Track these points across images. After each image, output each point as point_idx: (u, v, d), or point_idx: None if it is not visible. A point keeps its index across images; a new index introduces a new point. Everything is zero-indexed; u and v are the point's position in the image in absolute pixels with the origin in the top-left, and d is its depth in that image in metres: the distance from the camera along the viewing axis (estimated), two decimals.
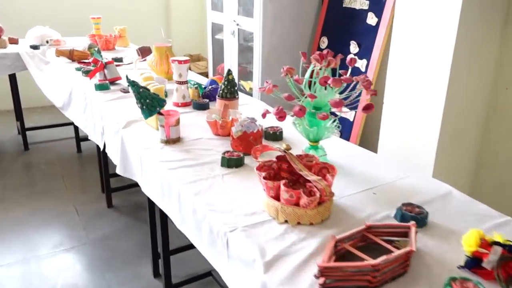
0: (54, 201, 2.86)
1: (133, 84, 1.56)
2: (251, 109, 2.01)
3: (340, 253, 0.97)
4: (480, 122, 2.39)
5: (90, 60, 2.91)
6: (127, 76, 1.62)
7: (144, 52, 2.24)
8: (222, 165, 1.41)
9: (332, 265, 0.88)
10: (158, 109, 1.57)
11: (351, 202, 1.21)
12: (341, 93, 1.41)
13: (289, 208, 1.08)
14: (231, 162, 1.40)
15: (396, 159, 2.34)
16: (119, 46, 3.56)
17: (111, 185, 2.77)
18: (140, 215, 2.69)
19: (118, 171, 1.76)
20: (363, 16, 2.94)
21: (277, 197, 1.12)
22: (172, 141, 1.59)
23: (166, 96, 2.05)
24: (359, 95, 1.40)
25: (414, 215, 1.09)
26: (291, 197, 1.08)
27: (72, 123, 3.10)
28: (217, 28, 3.98)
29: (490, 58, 2.25)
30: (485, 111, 2.38)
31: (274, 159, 1.23)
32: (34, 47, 3.31)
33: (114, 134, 1.84)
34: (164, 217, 1.86)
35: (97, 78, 2.42)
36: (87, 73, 2.55)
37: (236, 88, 1.84)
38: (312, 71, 1.46)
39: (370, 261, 0.88)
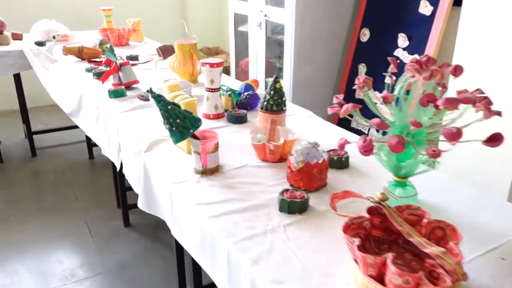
0: (64, 218, 2.54)
1: (159, 99, 1.21)
2: (296, 120, 1.65)
3: None
4: None
5: (102, 60, 2.58)
6: (150, 89, 1.27)
7: (166, 51, 1.89)
8: (282, 209, 1.06)
9: None
10: (191, 131, 1.22)
11: (475, 273, 0.85)
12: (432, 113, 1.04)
13: None
14: (294, 207, 1.05)
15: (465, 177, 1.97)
16: (133, 41, 3.21)
17: (127, 201, 2.44)
18: (161, 236, 2.36)
19: (140, 205, 1.41)
20: (414, 4, 2.55)
21: (378, 277, 0.77)
22: (210, 171, 1.24)
23: None
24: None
25: None
26: (406, 284, 0.73)
27: None
28: (240, 19, 3.61)
29: None
30: None
31: (365, 215, 0.88)
32: (40, 44, 2.97)
33: (134, 156, 1.50)
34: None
35: (110, 82, 2.08)
36: (99, 75, 2.20)
37: (284, 98, 1.48)
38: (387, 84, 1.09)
39: None
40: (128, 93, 1.97)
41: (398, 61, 2.68)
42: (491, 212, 1.07)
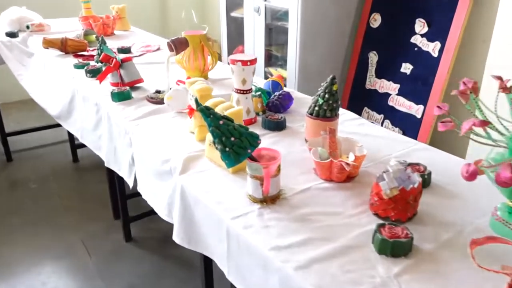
0: (55, 235, 2.24)
1: (207, 113, 0.96)
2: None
3: None
4: None
5: (91, 53, 2.26)
6: (196, 100, 1.01)
7: (180, 45, 1.61)
8: (382, 252, 0.84)
9: None
10: (249, 151, 0.97)
11: None
12: None
13: None
14: (399, 249, 0.83)
15: None
16: (118, 30, 2.88)
17: (128, 211, 2.17)
18: (169, 250, 2.11)
19: (177, 239, 1.16)
20: None
21: None
22: (271, 199, 1.01)
23: None
24: None
25: None
26: None
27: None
28: (233, 3, 3.32)
29: None
30: None
31: None
32: (11, 35, 2.61)
33: (160, 176, 1.24)
34: (208, 261, 1.33)
35: (108, 81, 1.79)
36: (94, 73, 1.91)
37: (340, 102, 1.25)
38: None
39: None
40: (133, 94, 1.69)
41: (416, 49, 2.50)
42: None
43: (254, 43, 3.08)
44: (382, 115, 2.65)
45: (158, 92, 1.69)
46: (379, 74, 2.67)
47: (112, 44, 2.50)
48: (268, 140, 1.32)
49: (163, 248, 2.14)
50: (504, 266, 0.65)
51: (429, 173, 1.08)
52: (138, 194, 1.44)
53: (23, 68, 2.49)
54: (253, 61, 1.36)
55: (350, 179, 1.10)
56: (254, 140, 0.98)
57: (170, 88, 1.64)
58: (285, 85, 1.72)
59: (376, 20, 2.67)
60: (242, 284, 0.96)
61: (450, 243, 0.87)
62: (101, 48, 2.05)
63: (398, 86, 2.55)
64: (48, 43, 2.27)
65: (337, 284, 0.77)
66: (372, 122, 2.65)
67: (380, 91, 2.66)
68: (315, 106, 1.24)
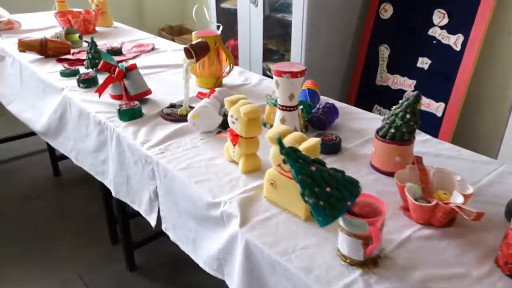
0: (46, 268, 1.95)
1: (295, 157, 0.73)
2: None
3: None
4: None
5: (79, 56, 1.95)
6: (280, 141, 0.77)
7: (201, 51, 1.35)
8: None
9: None
10: (349, 203, 0.75)
11: None
12: None
13: None
14: None
15: None
16: (99, 26, 2.56)
17: (131, 236, 1.90)
18: (179, 279, 1.87)
19: None
20: None
21: None
22: (373, 260, 0.79)
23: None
24: None
25: None
26: None
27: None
28: None
29: None
30: None
31: None
32: None
33: (207, 226, 1.00)
34: None
35: (107, 92, 1.52)
36: (88, 84, 1.62)
37: (419, 123, 1.04)
38: None
39: None
40: (144, 109, 1.42)
41: (434, 42, 2.32)
42: None
43: (250, 36, 2.82)
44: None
45: (173, 106, 1.43)
46: (392, 69, 2.48)
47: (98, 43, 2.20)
48: None
49: (173, 277, 1.89)
50: None
51: None
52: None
53: None
54: (303, 72, 1.13)
55: (451, 221, 0.90)
56: (354, 188, 0.75)
57: (191, 107, 1.39)
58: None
59: (387, 11, 2.47)
60: None
61: None
62: (92, 51, 1.76)
63: (414, 82, 2.37)
64: (25, 46, 1.94)
65: None
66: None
67: (393, 87, 2.48)
68: (390, 127, 1.03)
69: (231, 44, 3.12)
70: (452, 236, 0.85)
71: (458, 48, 2.17)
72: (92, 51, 1.77)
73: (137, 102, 1.39)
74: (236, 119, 1.04)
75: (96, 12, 2.45)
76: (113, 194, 1.42)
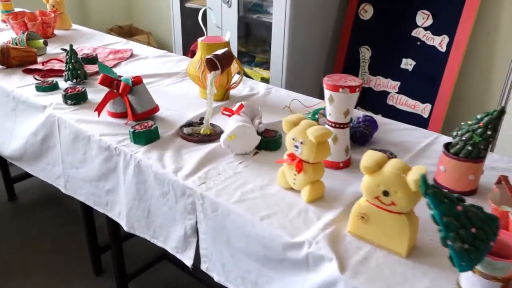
0: None
1: (441, 197, 0.62)
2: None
3: None
4: None
5: (52, 66, 1.70)
6: (424, 179, 0.65)
7: (226, 61, 1.18)
8: None
9: None
10: (491, 244, 0.66)
11: None
12: None
13: None
14: None
15: None
16: (57, 29, 2.27)
17: (125, 267, 1.69)
18: None
19: None
20: None
21: None
22: None
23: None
24: None
25: None
26: None
27: None
28: None
29: None
30: None
31: None
32: None
33: (282, 269, 0.86)
34: None
35: (105, 110, 1.32)
36: (77, 99, 1.40)
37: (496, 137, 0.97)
38: None
39: None
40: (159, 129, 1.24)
41: (418, 43, 2.31)
42: None
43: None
44: (379, 115, 2.44)
45: (190, 124, 1.26)
46: (374, 71, 2.45)
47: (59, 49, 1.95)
48: None
49: None
50: None
51: None
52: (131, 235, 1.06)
53: None
54: (360, 86, 1.02)
55: None
56: (495, 225, 0.66)
57: (212, 125, 1.23)
58: None
59: (366, 12, 2.43)
60: None
61: None
62: (73, 60, 1.53)
63: (398, 83, 2.36)
64: None
65: None
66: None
67: (375, 89, 2.45)
68: (465, 144, 0.95)
69: (196, 45, 2.93)
70: None
71: (443, 49, 2.18)
72: (72, 61, 1.53)
73: (152, 122, 1.20)
74: (301, 142, 0.91)
75: (55, 13, 2.17)
76: (126, 228, 1.22)
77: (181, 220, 1.05)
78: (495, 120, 0.92)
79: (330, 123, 1.07)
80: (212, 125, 1.25)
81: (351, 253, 0.81)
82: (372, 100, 2.46)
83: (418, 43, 2.27)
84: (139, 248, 1.58)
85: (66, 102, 1.39)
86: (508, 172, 1.04)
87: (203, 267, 1.05)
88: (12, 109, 1.54)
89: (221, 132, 1.23)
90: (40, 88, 1.49)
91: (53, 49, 1.97)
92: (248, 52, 2.86)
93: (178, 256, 1.10)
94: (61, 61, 1.75)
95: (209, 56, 1.19)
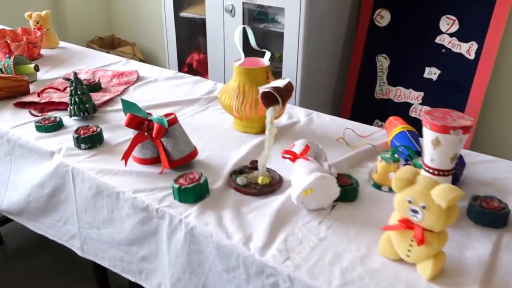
0: None
1: None
2: None
3: None
4: None
5: (49, 97, 1.44)
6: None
7: (286, 93, 0.96)
8: None
9: None
10: None
11: None
12: None
13: None
14: None
15: None
16: (43, 48, 1.99)
17: None
18: None
19: None
20: None
21: None
22: None
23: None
24: None
25: None
26: None
27: None
28: (184, 1, 2.61)
29: None
30: None
31: None
32: None
33: None
34: None
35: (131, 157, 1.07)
36: (92, 142, 1.16)
37: None
38: None
39: None
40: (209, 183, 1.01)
41: (443, 50, 2.15)
42: None
43: (225, 51, 2.44)
44: None
45: (241, 171, 1.04)
46: (394, 81, 2.28)
47: (52, 73, 1.70)
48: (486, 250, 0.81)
49: None
50: None
51: None
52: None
53: None
54: (472, 126, 0.83)
55: None
56: None
57: (277, 175, 1.02)
58: None
59: (383, 18, 2.26)
60: None
61: None
62: (79, 92, 1.28)
63: (421, 94, 2.20)
64: None
65: None
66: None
67: (396, 100, 2.28)
68: None
69: (194, 59, 2.70)
70: None
71: (471, 57, 2.03)
72: (79, 92, 1.28)
73: (198, 173, 0.97)
74: (423, 207, 0.71)
75: (41, 31, 1.89)
76: None
77: None
78: None
79: (429, 169, 0.87)
80: (267, 169, 1.03)
81: None
82: (392, 112, 2.26)
83: (443, 50, 2.11)
84: None
85: (79, 147, 1.14)
86: None
87: None
88: (7, 153, 1.27)
89: (280, 178, 1.02)
90: (41, 128, 1.23)
91: (43, 73, 1.70)
92: None
93: None
94: (57, 89, 1.49)
95: (266, 89, 0.97)
